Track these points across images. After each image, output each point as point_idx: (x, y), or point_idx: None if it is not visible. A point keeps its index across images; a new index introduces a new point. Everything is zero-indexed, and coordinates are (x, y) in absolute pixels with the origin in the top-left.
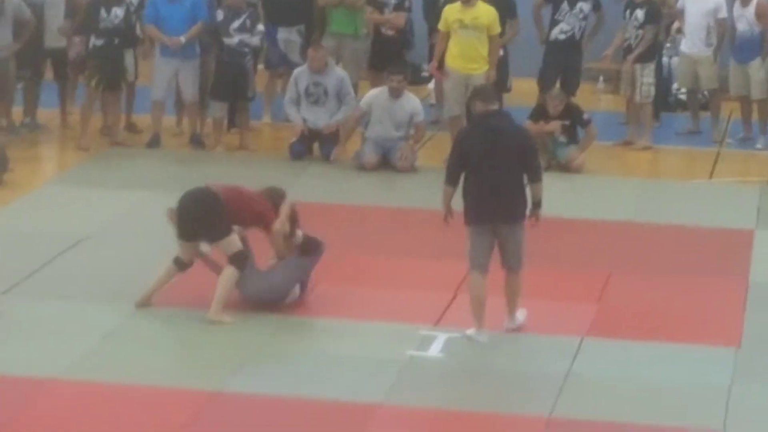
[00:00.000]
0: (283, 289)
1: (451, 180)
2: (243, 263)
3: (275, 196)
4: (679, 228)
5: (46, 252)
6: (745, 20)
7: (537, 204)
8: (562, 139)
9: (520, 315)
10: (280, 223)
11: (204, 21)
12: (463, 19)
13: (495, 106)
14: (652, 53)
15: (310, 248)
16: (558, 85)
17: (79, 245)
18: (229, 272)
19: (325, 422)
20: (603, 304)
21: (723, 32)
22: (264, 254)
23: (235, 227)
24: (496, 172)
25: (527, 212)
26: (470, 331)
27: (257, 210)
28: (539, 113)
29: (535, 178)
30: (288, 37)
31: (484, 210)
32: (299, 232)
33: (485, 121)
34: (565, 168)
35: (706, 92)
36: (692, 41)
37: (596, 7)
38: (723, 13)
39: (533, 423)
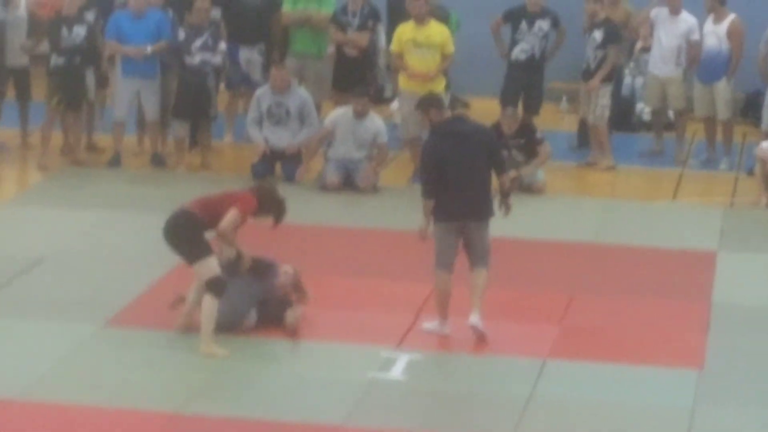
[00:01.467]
0: (237, 314)
1: (429, 193)
2: (220, 290)
3: (263, 191)
4: (642, 249)
5: (4, 272)
6: (715, 37)
7: (507, 194)
8: (520, 158)
9: (432, 324)
10: (205, 347)
11: (168, 39)
12: (416, 38)
13: (448, 113)
14: (609, 75)
15: (261, 270)
16: (519, 104)
17: (39, 265)
18: (208, 302)
19: None
20: (565, 325)
21: (695, 54)
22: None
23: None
24: (465, 173)
25: (495, 207)
26: (431, 325)
27: (231, 201)
28: (495, 132)
29: (503, 171)
30: (249, 56)
31: (454, 208)
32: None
33: (448, 128)
34: (527, 189)
35: (671, 113)
36: (662, 62)
37: (555, 24)
38: (696, 36)
39: None
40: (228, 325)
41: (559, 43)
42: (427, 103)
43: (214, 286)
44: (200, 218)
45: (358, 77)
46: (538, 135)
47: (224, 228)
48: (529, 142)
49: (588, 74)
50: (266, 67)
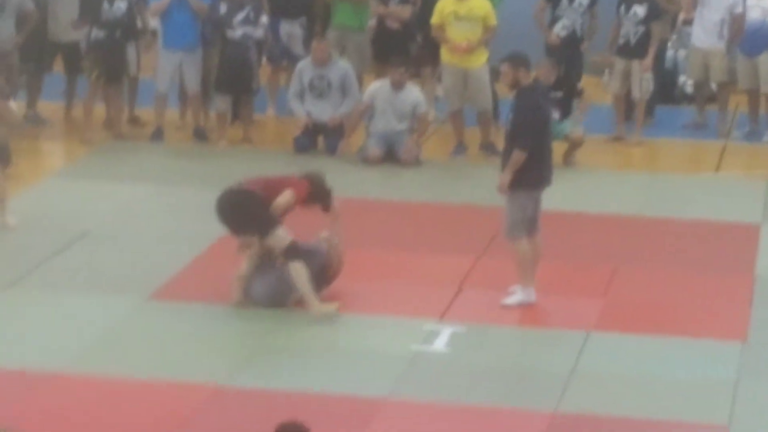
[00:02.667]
0: (283, 293)
1: (527, 147)
2: (298, 253)
3: (313, 178)
4: (685, 222)
5: (49, 246)
6: (759, 10)
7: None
8: (555, 115)
9: (514, 297)
10: (315, 310)
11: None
12: (458, 10)
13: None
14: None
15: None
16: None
17: (83, 239)
18: (295, 266)
19: (329, 417)
20: (609, 298)
21: (738, 27)
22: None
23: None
24: (550, 139)
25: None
26: (514, 298)
27: (290, 183)
28: None
29: None
30: (290, 30)
31: (545, 174)
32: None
33: (543, 91)
34: (566, 141)
35: (713, 85)
36: (705, 35)
37: (594, 1)
38: (739, 8)
39: (538, 418)
40: (274, 304)
41: (594, 27)
42: (519, 60)
43: (292, 252)
44: (260, 195)
45: (399, 50)
46: (579, 86)
47: (279, 204)
48: (567, 95)
49: (627, 49)
50: (307, 41)
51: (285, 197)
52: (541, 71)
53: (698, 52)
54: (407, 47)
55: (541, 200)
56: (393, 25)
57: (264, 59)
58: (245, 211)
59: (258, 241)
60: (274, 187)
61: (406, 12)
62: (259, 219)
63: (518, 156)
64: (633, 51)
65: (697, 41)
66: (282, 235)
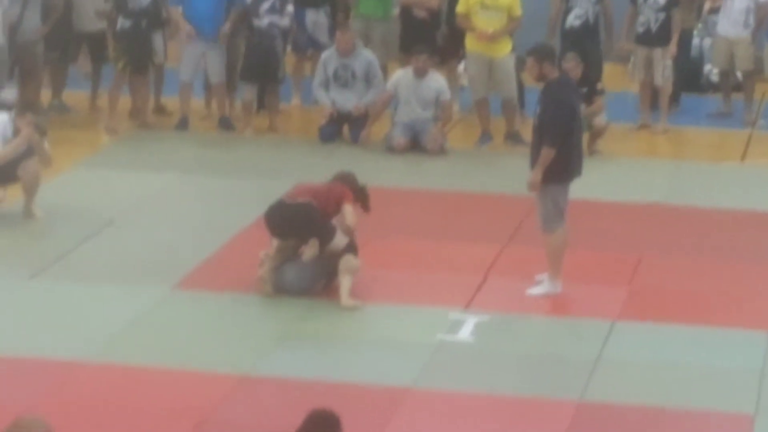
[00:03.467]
0: (308, 282)
1: (559, 143)
2: (356, 251)
3: (347, 180)
4: (711, 211)
5: (75, 235)
6: None
7: None
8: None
9: (540, 287)
10: (345, 301)
11: (240, 6)
12: (484, 0)
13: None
14: (671, 36)
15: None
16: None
17: (108, 228)
18: (349, 259)
19: (355, 406)
20: (634, 287)
21: (763, 15)
22: None
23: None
24: (581, 131)
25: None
26: (540, 288)
27: (336, 195)
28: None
29: None
30: (316, 18)
31: (577, 166)
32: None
33: (572, 84)
34: (589, 130)
35: (739, 74)
36: (730, 23)
37: None
38: None
39: (564, 407)
40: (299, 292)
41: (608, 17)
42: (543, 54)
43: (351, 248)
44: (316, 206)
45: (426, 38)
46: (599, 86)
47: (354, 223)
48: (589, 93)
49: (648, 37)
50: (333, 29)
51: (351, 215)
52: (567, 66)
53: (723, 41)
54: (434, 36)
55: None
56: (420, 14)
57: (289, 48)
58: (309, 222)
59: (315, 245)
60: (323, 196)
61: (433, 1)
62: (324, 228)
63: (548, 153)
64: (654, 39)
65: (722, 30)
66: (341, 237)
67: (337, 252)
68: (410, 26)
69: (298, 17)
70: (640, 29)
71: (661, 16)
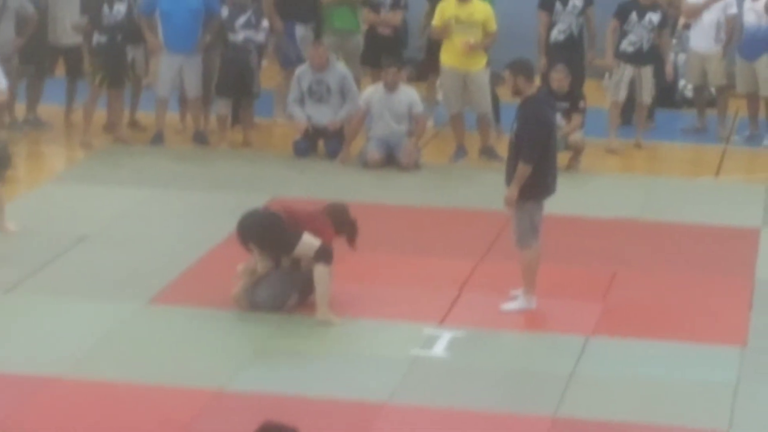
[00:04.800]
0: (280, 298)
1: (534, 160)
2: (329, 257)
3: (336, 212)
4: (685, 226)
5: (48, 250)
6: (754, 14)
7: None
8: (561, 123)
9: (515, 303)
10: (322, 315)
11: (217, 20)
12: (459, 15)
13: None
14: (658, 54)
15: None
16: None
17: (82, 243)
18: (320, 270)
19: (329, 421)
20: (608, 302)
21: (732, 28)
22: None
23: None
24: (555, 148)
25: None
26: (514, 304)
27: (315, 227)
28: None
29: None
30: (305, 33)
31: (551, 182)
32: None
33: (547, 100)
34: (567, 149)
35: (713, 89)
36: (702, 38)
37: (588, 2)
38: (733, 9)
39: (538, 422)
40: (272, 309)
41: (591, 30)
42: (518, 67)
43: (323, 255)
44: (284, 220)
45: (389, 54)
46: (581, 104)
47: (328, 262)
48: (571, 108)
49: (639, 56)
50: None
51: (312, 243)
52: (555, 78)
53: (696, 56)
54: (399, 52)
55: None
56: (384, 31)
57: (276, 63)
58: (268, 231)
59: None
60: (301, 219)
61: (397, 18)
62: (282, 238)
63: (524, 169)
64: (646, 57)
65: (694, 45)
66: (310, 241)
67: (307, 259)
68: (374, 43)
69: (288, 32)
70: (630, 48)
71: (653, 36)
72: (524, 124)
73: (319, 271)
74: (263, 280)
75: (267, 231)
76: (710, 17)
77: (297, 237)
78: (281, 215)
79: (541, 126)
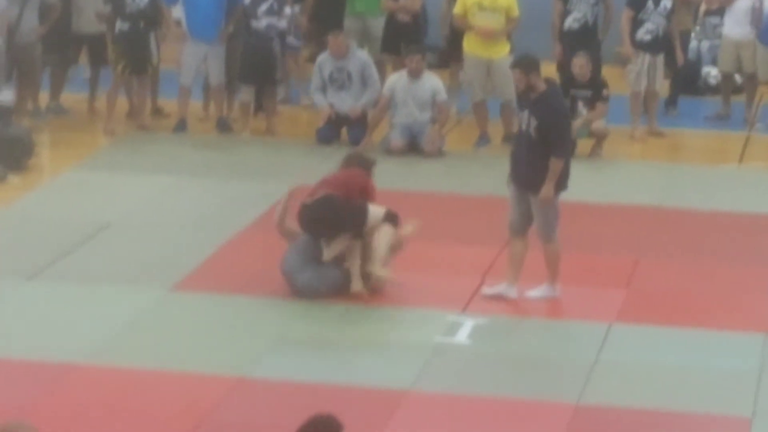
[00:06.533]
0: (292, 269)
1: (566, 152)
2: (395, 219)
3: (360, 161)
4: (708, 213)
5: (71, 237)
6: None
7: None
8: (583, 112)
9: (538, 290)
10: (378, 270)
11: (239, 7)
12: (481, 1)
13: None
14: (671, 41)
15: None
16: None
17: (105, 230)
18: (386, 228)
19: (352, 408)
20: (631, 289)
21: (759, 16)
22: None
23: None
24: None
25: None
26: (538, 291)
27: (358, 184)
28: (565, 82)
29: None
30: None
31: (568, 175)
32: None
33: (559, 90)
34: (590, 137)
35: (737, 77)
36: (736, 24)
37: None
38: None
39: (561, 410)
40: (313, 294)
41: (609, 18)
42: (530, 65)
43: (391, 218)
44: (337, 196)
45: (410, 41)
46: (605, 93)
47: (398, 238)
48: (594, 96)
49: (656, 44)
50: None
51: (378, 212)
52: (577, 65)
53: (730, 43)
54: (419, 38)
55: None
56: (403, 18)
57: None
58: (336, 214)
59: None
60: (343, 186)
61: (416, 4)
62: (351, 214)
63: (558, 164)
64: (661, 45)
65: (728, 31)
66: (375, 209)
67: (377, 226)
68: (394, 30)
69: None
70: (648, 36)
71: (666, 22)
72: (550, 119)
73: (385, 230)
74: (311, 264)
75: (336, 216)
76: (744, 3)
77: (363, 208)
78: (333, 194)
79: (567, 119)
